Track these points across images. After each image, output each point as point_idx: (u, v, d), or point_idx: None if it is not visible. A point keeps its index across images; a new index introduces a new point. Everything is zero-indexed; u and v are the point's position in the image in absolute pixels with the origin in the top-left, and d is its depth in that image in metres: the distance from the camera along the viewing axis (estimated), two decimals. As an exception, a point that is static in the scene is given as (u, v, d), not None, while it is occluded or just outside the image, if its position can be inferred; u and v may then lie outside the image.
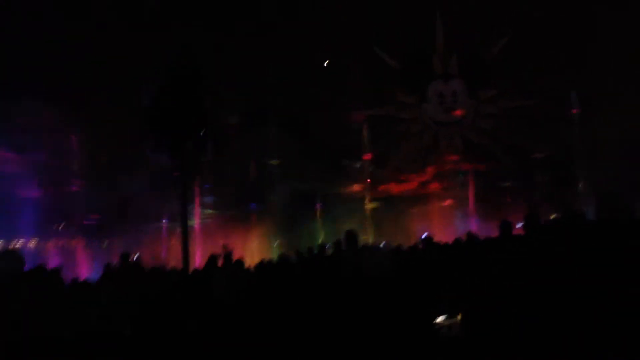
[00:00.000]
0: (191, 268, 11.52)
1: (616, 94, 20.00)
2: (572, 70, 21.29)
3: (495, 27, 23.10)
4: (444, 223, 21.36)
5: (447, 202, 22.92)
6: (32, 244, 19.81)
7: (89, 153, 20.00)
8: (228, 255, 8.81)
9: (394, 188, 24.22)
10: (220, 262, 8.98)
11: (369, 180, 24.10)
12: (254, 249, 20.17)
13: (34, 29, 19.93)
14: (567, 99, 22.44)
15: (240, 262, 8.48)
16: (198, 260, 14.50)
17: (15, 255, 5.77)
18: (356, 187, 23.67)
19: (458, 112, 24.39)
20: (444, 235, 17.19)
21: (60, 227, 21.19)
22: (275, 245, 20.84)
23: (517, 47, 22.72)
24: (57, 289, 6.59)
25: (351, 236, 6.17)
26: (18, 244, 17.84)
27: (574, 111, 22.54)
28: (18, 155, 19.61)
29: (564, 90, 22.29)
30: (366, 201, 23.10)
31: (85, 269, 17.04)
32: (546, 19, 21.67)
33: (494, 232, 6.43)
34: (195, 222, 20.87)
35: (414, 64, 24.59)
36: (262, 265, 8.69)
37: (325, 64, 23.57)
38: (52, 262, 13.60)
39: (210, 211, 22.73)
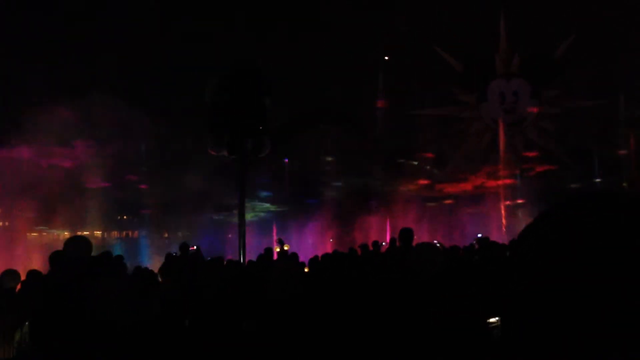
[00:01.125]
0: (247, 260, 11.78)
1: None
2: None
3: (561, 26, 22.52)
4: (501, 224, 21.00)
5: (506, 203, 22.50)
6: (97, 233, 20.61)
7: (153, 147, 20.63)
8: (283, 249, 8.96)
9: (452, 187, 23.96)
10: (275, 256, 9.15)
11: (426, 179, 23.94)
12: (308, 244, 20.36)
13: (101, 24, 20.69)
14: (636, 100, 21.67)
15: (295, 256, 8.61)
16: (254, 253, 14.77)
17: (83, 241, 6.03)
18: (412, 186, 23.54)
19: (519, 113, 23.90)
20: (501, 236, 16.92)
21: (124, 218, 21.98)
22: (330, 240, 20.98)
23: (584, 47, 22.08)
24: (121, 276, 6.86)
25: (406, 234, 6.19)
26: (84, 232, 18.60)
27: None
28: (85, 148, 20.40)
29: (632, 91, 21.54)
30: (422, 200, 22.93)
31: (147, 259, 17.61)
32: (615, 18, 20.97)
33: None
34: (254, 216, 21.24)
35: (476, 63, 24.23)
36: (316, 260, 8.79)
37: (385, 58, 23.44)
38: (116, 251, 14.14)
39: (266, 205, 23.08)
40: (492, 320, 5.74)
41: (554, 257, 0.81)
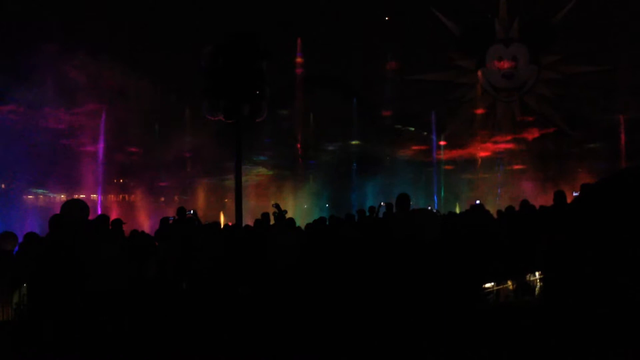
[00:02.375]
0: (244, 225, 11.83)
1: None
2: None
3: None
4: (498, 190, 21.07)
5: (503, 170, 22.54)
6: (94, 196, 20.60)
7: (150, 111, 20.49)
8: (280, 214, 8.95)
9: (449, 153, 23.96)
10: (272, 221, 9.16)
11: (423, 144, 23.92)
12: (305, 209, 20.42)
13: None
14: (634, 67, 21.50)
15: (292, 221, 8.62)
16: (250, 217, 14.79)
17: (80, 204, 6.03)
18: (409, 151, 23.53)
19: (517, 78, 23.75)
20: (498, 203, 16.98)
21: (120, 181, 21.96)
22: (327, 205, 21.03)
23: (584, 12, 21.83)
24: (118, 238, 6.88)
25: (403, 199, 6.18)
26: (81, 196, 18.60)
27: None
28: (82, 113, 20.28)
29: (631, 59, 21.37)
30: (419, 166, 22.94)
31: (144, 222, 17.65)
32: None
33: (551, 201, 6.34)
34: (250, 180, 21.21)
35: (475, 27, 23.97)
36: (312, 226, 8.80)
37: (385, 19, 23.13)
38: (113, 215, 14.15)
39: (263, 169, 23.07)
40: (487, 285, 5.80)
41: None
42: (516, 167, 22.53)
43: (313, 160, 23.13)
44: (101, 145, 20.22)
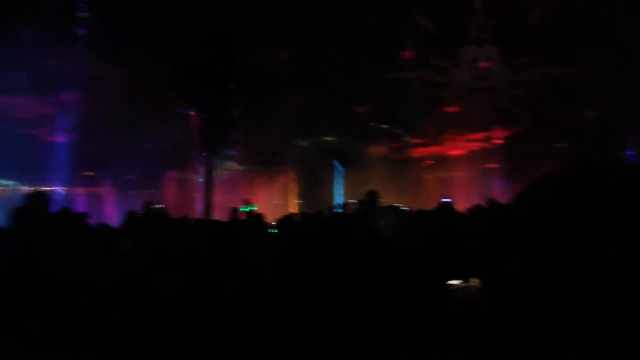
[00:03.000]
0: (213, 219, 11.74)
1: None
2: (616, 43, 20.74)
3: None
4: (469, 189, 21.26)
5: (474, 168, 22.76)
6: (59, 189, 20.25)
7: (120, 102, 20.17)
8: (250, 209, 8.91)
9: (421, 151, 24.11)
10: (242, 216, 9.10)
11: (396, 142, 24.03)
12: (277, 205, 20.35)
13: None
14: (609, 72, 21.86)
15: (260, 216, 8.58)
16: (219, 212, 14.69)
17: (42, 197, 5.90)
18: (382, 148, 23.61)
19: (491, 79, 23.99)
20: (467, 200, 17.12)
21: (88, 174, 21.60)
22: (298, 202, 21.00)
23: (559, 15, 22.09)
24: (82, 232, 6.75)
25: (372, 196, 6.18)
26: (46, 188, 18.26)
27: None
28: (48, 101, 19.90)
29: (606, 63, 21.71)
30: (392, 164, 23.03)
31: (111, 216, 17.39)
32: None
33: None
34: (219, 175, 21.05)
35: (450, 27, 24.13)
36: (282, 222, 8.76)
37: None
38: (79, 208, 13.93)
39: (234, 165, 22.93)
40: (453, 282, 5.81)
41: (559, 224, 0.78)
42: (488, 165, 22.78)
43: (286, 155, 23.06)
44: (69, 137, 19.87)
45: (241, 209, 8.81)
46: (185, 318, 6.50)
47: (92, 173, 21.63)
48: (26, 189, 17.73)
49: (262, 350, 5.35)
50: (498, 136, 23.76)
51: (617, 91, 21.99)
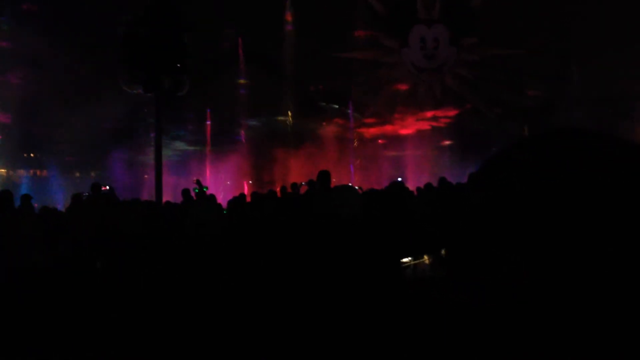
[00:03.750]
0: (164, 201, 11.55)
1: (603, 49, 20.14)
2: (562, 23, 21.27)
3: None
4: (420, 168, 21.56)
5: (424, 147, 23.07)
6: (1, 171, 19.56)
7: (65, 81, 19.52)
8: (201, 190, 8.81)
9: (371, 132, 24.28)
10: (193, 196, 9.00)
11: (346, 122, 24.12)
12: (228, 186, 20.20)
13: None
14: (553, 52, 22.42)
15: (213, 197, 8.49)
16: (170, 194, 14.46)
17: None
18: (333, 128, 23.66)
19: (438, 59, 24.29)
20: (418, 179, 17.39)
21: (31, 156, 20.90)
22: (249, 182, 20.88)
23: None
24: (27, 214, 6.54)
25: (324, 176, 6.19)
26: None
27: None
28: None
29: (550, 43, 22.26)
30: (343, 143, 23.12)
31: (57, 199, 16.92)
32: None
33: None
34: (169, 156, 20.73)
35: (398, 7, 24.23)
36: (234, 202, 8.71)
37: None
38: (22, 190, 13.49)
39: (182, 144, 22.60)
40: (404, 260, 5.92)
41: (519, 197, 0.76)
42: (437, 144, 23.13)
43: (236, 135, 22.85)
44: (11, 117, 19.14)
45: (194, 191, 8.70)
46: (128, 300, 6.43)
47: (35, 155, 20.95)
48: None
49: (202, 327, 5.35)
50: (446, 115, 24.14)
51: (559, 71, 22.65)
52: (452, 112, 24.17)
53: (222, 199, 10.91)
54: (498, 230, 0.82)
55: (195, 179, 9.28)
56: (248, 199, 9.31)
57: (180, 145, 22.39)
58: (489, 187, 0.91)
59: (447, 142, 23.01)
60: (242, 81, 22.89)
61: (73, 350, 5.01)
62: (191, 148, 22.66)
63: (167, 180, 15.83)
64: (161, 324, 5.62)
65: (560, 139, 0.87)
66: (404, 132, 24.03)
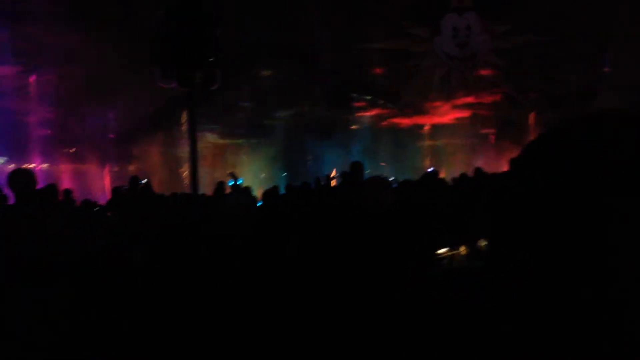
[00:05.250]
0: (199, 194, 11.73)
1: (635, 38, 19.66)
2: (595, 11, 20.82)
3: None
4: (453, 157, 21.41)
5: (458, 137, 22.88)
6: (44, 166, 20.04)
7: (101, 76, 19.88)
8: (235, 183, 8.92)
9: (404, 122, 24.15)
10: (227, 190, 9.12)
11: (379, 112, 24.05)
12: (261, 179, 20.35)
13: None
14: (586, 40, 21.92)
15: (247, 189, 8.60)
16: (205, 187, 14.66)
17: (28, 174, 5.85)
18: (367, 120, 23.62)
19: (471, 47, 23.99)
20: (453, 169, 17.30)
21: (72, 151, 21.38)
22: (283, 175, 20.99)
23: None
24: (68, 208, 6.73)
25: (357, 167, 6.22)
26: (30, 165, 18.07)
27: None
28: (30, 77, 19.55)
29: (583, 31, 21.78)
30: (376, 133, 23.07)
31: (97, 192, 17.29)
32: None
33: (504, 168, 6.48)
34: (203, 149, 20.96)
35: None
36: (268, 194, 8.79)
37: None
38: (64, 185, 13.81)
39: (214, 137, 22.81)
40: (441, 251, 5.91)
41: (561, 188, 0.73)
42: (472, 134, 22.91)
43: (268, 128, 22.97)
44: (50, 112, 19.58)
45: (229, 183, 8.82)
46: (163, 294, 6.54)
47: (74, 149, 21.41)
48: (10, 166, 17.50)
49: (234, 325, 5.42)
50: (481, 103, 23.87)
51: (595, 57, 22.16)
52: (486, 100, 23.89)
53: (256, 191, 11.02)
54: (513, 226, 0.82)
55: (229, 171, 9.39)
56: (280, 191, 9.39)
57: (212, 138, 22.61)
58: (514, 181, 0.90)
59: (483, 131, 22.77)
60: (272, 72, 22.96)
61: (110, 341, 5.13)
62: (224, 141, 22.87)
63: (201, 173, 16.06)
64: (198, 318, 5.72)
65: (592, 123, 0.84)
66: (437, 121, 23.85)
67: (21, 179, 5.97)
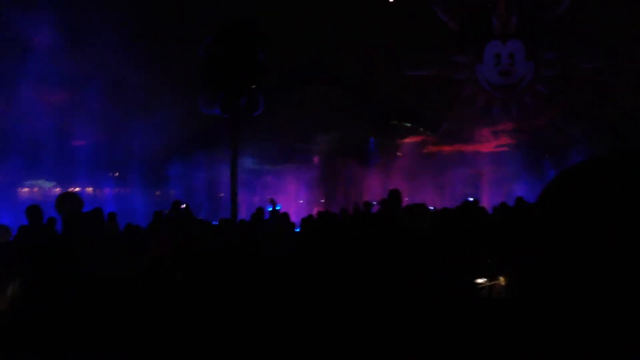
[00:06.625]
0: (239, 219, 11.85)
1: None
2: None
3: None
4: (494, 186, 21.12)
5: (499, 165, 22.56)
6: (88, 190, 20.53)
7: (145, 102, 20.35)
8: (274, 208, 8.99)
9: (445, 149, 23.98)
10: (267, 215, 9.19)
11: (419, 140, 23.95)
12: (299, 204, 20.42)
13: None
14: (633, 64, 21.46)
15: (286, 215, 8.65)
16: (244, 212, 14.79)
17: (75, 197, 6.05)
18: (407, 147, 23.54)
19: (515, 75, 23.76)
20: (492, 199, 17.06)
21: (116, 175, 21.89)
22: (321, 201, 21.02)
23: (583, 8, 21.80)
24: (112, 231, 6.89)
25: (395, 195, 6.22)
26: (75, 189, 18.53)
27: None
28: (74, 102, 20.11)
29: (630, 55, 21.35)
30: (416, 160, 22.94)
31: (139, 216, 17.61)
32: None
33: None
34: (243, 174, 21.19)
35: (472, 23, 23.93)
36: (307, 221, 8.83)
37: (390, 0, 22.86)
38: (108, 208, 14.12)
39: (257, 164, 23.01)
40: (480, 280, 5.83)
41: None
42: (513, 162, 22.55)
43: (309, 153, 23.08)
44: (94, 137, 20.06)
45: (268, 209, 8.91)
46: (201, 314, 6.60)
47: (117, 173, 21.91)
48: (56, 190, 17.96)
49: (270, 346, 5.42)
50: (523, 131, 23.52)
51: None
52: (530, 128, 23.53)
53: (295, 217, 11.07)
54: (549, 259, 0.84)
55: (269, 197, 9.49)
56: (321, 218, 9.41)
57: (251, 163, 22.83)
58: (545, 210, 0.93)
59: (524, 161, 22.38)
60: (313, 97, 23.13)
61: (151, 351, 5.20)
62: (263, 166, 23.05)
63: (241, 198, 16.25)
64: (231, 336, 5.76)
65: (623, 161, 0.87)
66: (479, 148, 23.59)
67: (69, 202, 6.19)
